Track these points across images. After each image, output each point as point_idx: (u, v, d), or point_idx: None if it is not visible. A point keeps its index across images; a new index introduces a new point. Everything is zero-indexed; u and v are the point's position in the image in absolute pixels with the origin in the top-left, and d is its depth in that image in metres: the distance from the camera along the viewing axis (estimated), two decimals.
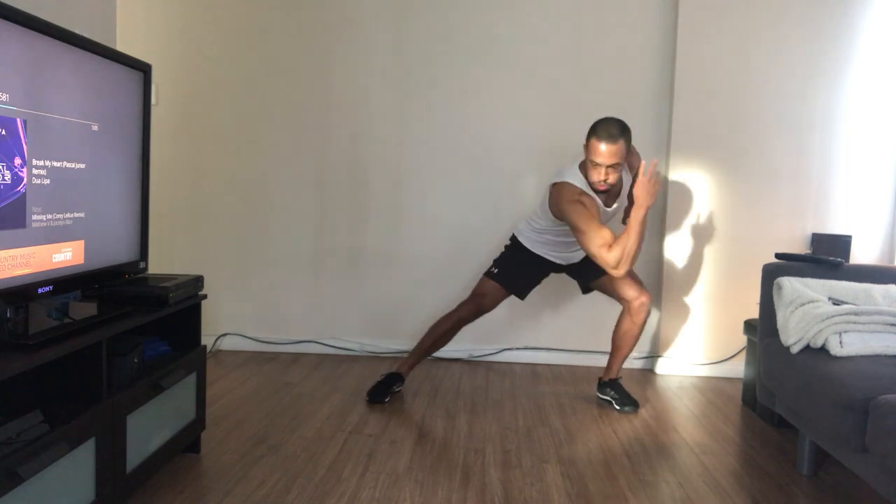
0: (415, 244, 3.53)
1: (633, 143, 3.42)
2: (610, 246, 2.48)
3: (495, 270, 2.90)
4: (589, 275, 2.90)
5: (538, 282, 2.97)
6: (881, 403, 1.69)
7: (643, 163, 2.64)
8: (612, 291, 2.86)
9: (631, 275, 2.80)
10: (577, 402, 2.93)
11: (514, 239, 2.94)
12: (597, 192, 2.64)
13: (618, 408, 2.81)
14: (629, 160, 2.73)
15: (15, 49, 1.49)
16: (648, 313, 2.80)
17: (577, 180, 2.64)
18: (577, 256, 2.90)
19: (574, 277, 3.01)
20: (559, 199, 2.61)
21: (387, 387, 2.85)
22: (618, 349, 2.90)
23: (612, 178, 2.56)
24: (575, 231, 2.58)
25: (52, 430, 1.44)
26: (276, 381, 3.07)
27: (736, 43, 3.30)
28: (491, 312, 3.50)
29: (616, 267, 2.49)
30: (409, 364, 2.96)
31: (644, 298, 2.77)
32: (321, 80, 3.51)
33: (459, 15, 3.44)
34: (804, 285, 2.32)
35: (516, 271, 2.90)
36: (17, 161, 1.49)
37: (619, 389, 2.86)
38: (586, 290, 3.03)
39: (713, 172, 3.35)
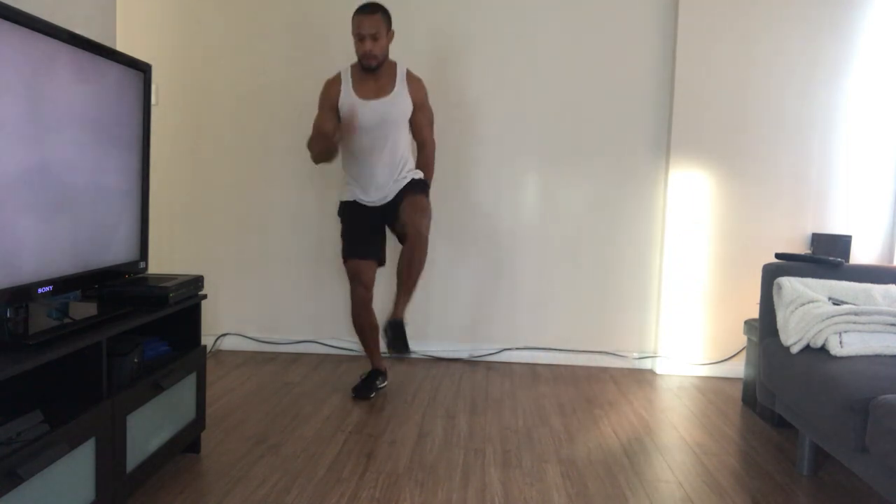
0: None
1: (633, 141, 3.43)
2: (316, 127, 2.84)
3: (342, 250, 2.92)
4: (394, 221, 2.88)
5: (375, 238, 2.91)
6: (881, 403, 1.69)
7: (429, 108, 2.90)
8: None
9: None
10: (577, 402, 2.93)
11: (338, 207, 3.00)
12: (366, 71, 2.78)
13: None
14: (413, 89, 2.84)
15: (14, 49, 1.49)
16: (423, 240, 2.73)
17: (343, 69, 2.89)
18: (379, 188, 2.86)
19: (393, 231, 2.95)
20: None
21: (370, 382, 2.90)
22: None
23: (375, 49, 2.72)
24: None
25: (52, 430, 1.44)
26: (276, 381, 3.07)
27: (736, 43, 3.30)
28: (491, 311, 3.52)
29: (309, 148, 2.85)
30: (374, 358, 3.00)
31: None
32: (321, 79, 3.50)
33: (459, 14, 3.44)
34: (804, 285, 2.32)
35: (350, 237, 2.90)
36: (10, 163, 1.48)
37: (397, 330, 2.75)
38: (401, 238, 2.91)
39: (713, 172, 3.35)
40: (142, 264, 2.10)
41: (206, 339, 3.53)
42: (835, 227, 3.34)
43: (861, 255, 3.33)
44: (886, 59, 3.28)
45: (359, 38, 2.73)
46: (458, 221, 3.51)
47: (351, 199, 2.93)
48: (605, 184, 3.46)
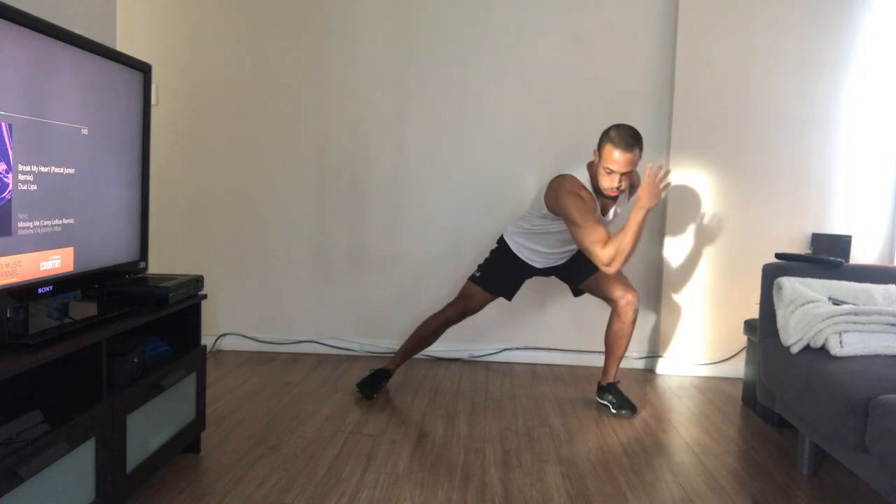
0: (414, 244, 3.53)
1: None
2: (605, 243, 2.48)
3: (478, 274, 2.90)
4: (576, 277, 2.89)
5: (520, 284, 2.95)
6: (881, 403, 1.69)
7: (649, 165, 2.58)
8: (599, 292, 2.84)
9: (618, 274, 2.77)
10: (577, 402, 2.93)
11: (500, 241, 2.93)
12: (598, 195, 2.65)
13: (614, 412, 2.78)
14: (634, 185, 2.77)
15: (13, 49, 1.49)
16: (636, 312, 2.77)
17: (582, 177, 2.62)
18: (560, 261, 2.88)
19: (563, 280, 2.98)
20: (559, 188, 2.59)
21: (376, 382, 2.89)
22: (611, 352, 2.86)
23: (623, 185, 2.55)
24: (570, 224, 2.56)
25: (52, 430, 1.44)
26: (276, 381, 3.07)
27: (736, 43, 3.30)
28: (492, 312, 3.52)
29: (608, 264, 2.50)
30: (395, 362, 2.99)
31: (630, 297, 2.74)
32: (321, 79, 3.51)
33: (459, 15, 3.44)
34: (804, 285, 2.32)
35: (498, 275, 2.88)
36: (2, 167, 1.46)
37: (616, 394, 2.82)
38: (576, 292, 2.98)
39: (713, 172, 3.35)
40: (142, 264, 2.10)
41: (206, 339, 3.53)
42: (835, 227, 3.33)
43: (861, 255, 3.33)
44: (886, 59, 3.28)
45: (608, 172, 2.52)
46: (457, 221, 3.51)
47: (521, 257, 2.86)
48: None
